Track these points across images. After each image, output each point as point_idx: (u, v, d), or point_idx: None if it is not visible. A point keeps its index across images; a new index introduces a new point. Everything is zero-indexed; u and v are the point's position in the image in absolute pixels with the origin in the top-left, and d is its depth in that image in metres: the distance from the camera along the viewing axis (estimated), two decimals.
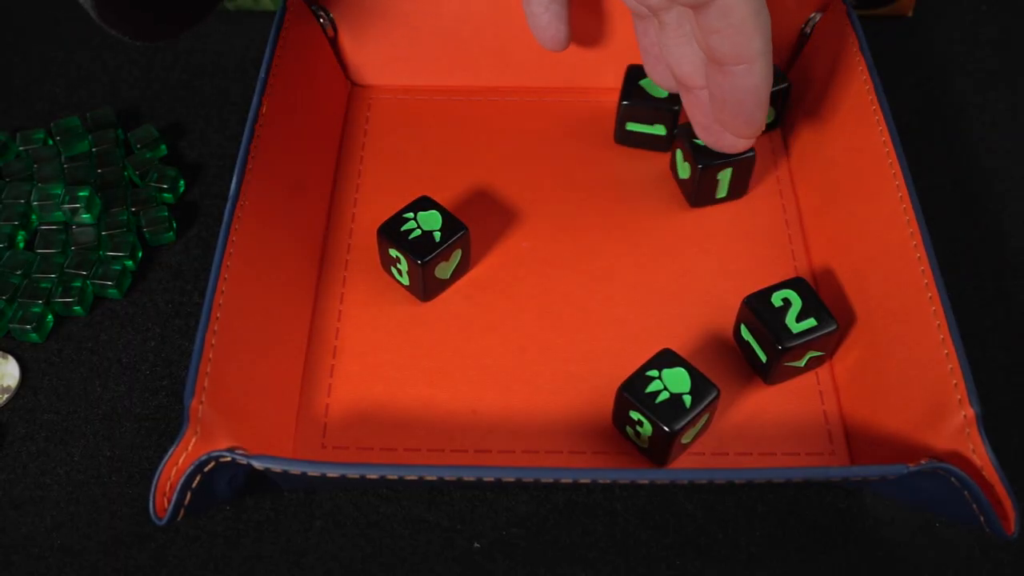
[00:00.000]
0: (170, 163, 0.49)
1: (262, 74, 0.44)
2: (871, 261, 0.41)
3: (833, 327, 0.39)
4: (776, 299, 0.39)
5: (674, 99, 0.47)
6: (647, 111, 0.47)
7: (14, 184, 0.47)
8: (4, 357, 0.42)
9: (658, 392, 0.37)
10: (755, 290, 0.40)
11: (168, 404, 0.41)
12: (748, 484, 0.37)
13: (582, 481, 0.33)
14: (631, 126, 0.48)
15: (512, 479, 0.33)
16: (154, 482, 0.33)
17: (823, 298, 0.41)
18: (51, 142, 0.49)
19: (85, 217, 0.45)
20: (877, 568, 0.37)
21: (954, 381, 0.35)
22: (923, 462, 0.33)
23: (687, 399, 0.37)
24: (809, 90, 0.48)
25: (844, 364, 0.41)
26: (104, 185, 0.47)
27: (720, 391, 0.37)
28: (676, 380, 0.37)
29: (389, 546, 0.37)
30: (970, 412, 0.34)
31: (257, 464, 0.33)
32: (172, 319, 0.44)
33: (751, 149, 0.44)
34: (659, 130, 0.48)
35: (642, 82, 0.47)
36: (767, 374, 0.40)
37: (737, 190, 0.46)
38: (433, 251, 0.41)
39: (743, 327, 0.41)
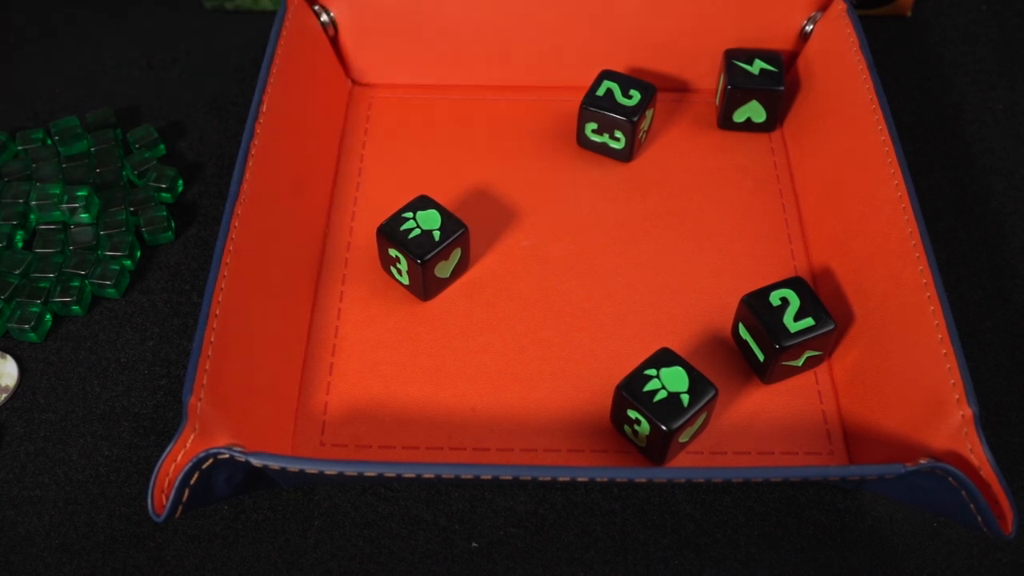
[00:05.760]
0: (169, 163, 0.49)
1: (262, 73, 0.44)
2: (870, 261, 0.41)
3: (831, 327, 0.39)
4: (774, 298, 0.39)
5: (634, 110, 0.46)
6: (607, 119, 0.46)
7: (12, 184, 0.47)
8: (3, 357, 0.42)
9: (656, 391, 0.37)
10: (754, 289, 0.40)
11: (166, 403, 0.41)
12: (746, 483, 0.37)
13: (580, 479, 0.33)
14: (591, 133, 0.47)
15: (510, 477, 0.33)
16: (152, 479, 0.33)
17: (822, 298, 0.41)
18: (50, 142, 0.49)
19: (84, 217, 0.45)
20: (876, 568, 0.37)
21: (952, 381, 0.35)
22: (921, 462, 0.33)
23: (685, 398, 0.37)
24: (809, 90, 0.48)
25: (843, 364, 0.41)
26: (103, 185, 0.47)
27: (718, 390, 0.37)
28: (674, 379, 0.37)
29: (387, 546, 0.37)
30: (968, 412, 0.34)
31: (255, 461, 0.33)
32: (170, 319, 0.44)
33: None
34: (617, 142, 0.47)
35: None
36: (765, 373, 0.40)
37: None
38: (433, 250, 0.41)
39: (741, 326, 0.41)
